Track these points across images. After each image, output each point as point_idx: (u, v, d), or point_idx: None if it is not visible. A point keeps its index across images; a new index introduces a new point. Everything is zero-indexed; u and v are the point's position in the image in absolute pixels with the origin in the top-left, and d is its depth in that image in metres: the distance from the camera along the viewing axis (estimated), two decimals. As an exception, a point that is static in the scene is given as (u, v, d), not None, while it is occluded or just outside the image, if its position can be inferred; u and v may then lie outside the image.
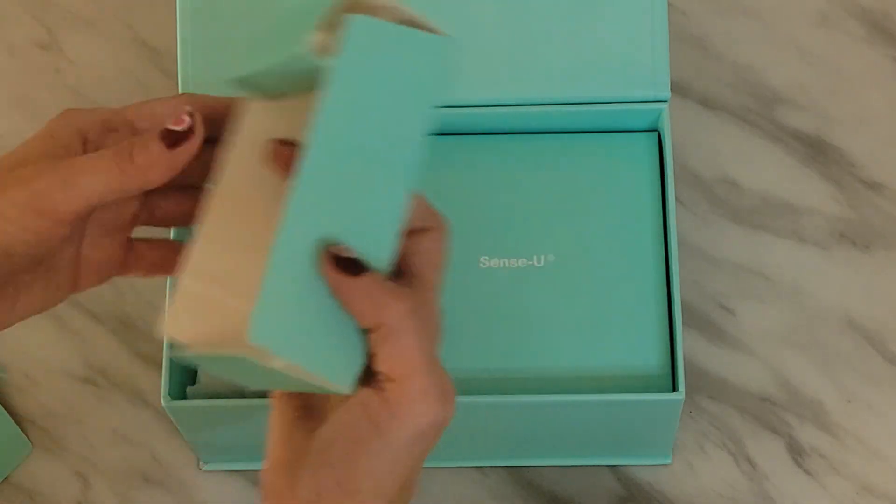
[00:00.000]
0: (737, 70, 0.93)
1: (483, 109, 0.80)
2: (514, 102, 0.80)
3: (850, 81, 0.92)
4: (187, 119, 0.60)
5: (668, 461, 0.84)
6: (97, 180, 0.59)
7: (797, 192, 0.90)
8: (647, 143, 0.81)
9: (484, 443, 0.82)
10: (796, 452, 0.84)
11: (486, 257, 0.79)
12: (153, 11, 0.96)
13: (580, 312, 0.77)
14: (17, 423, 0.85)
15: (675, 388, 0.75)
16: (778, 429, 0.85)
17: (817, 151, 0.91)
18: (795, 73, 0.93)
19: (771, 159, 0.91)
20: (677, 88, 0.91)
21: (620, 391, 0.76)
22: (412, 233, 0.58)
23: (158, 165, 0.59)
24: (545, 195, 0.80)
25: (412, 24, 0.56)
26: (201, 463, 0.86)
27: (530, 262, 0.79)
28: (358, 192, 0.55)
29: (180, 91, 0.80)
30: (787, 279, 0.88)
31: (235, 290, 0.57)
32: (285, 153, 0.58)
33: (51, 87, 0.95)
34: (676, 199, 0.87)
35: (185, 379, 0.79)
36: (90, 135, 0.63)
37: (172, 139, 0.59)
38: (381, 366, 0.55)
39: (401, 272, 0.57)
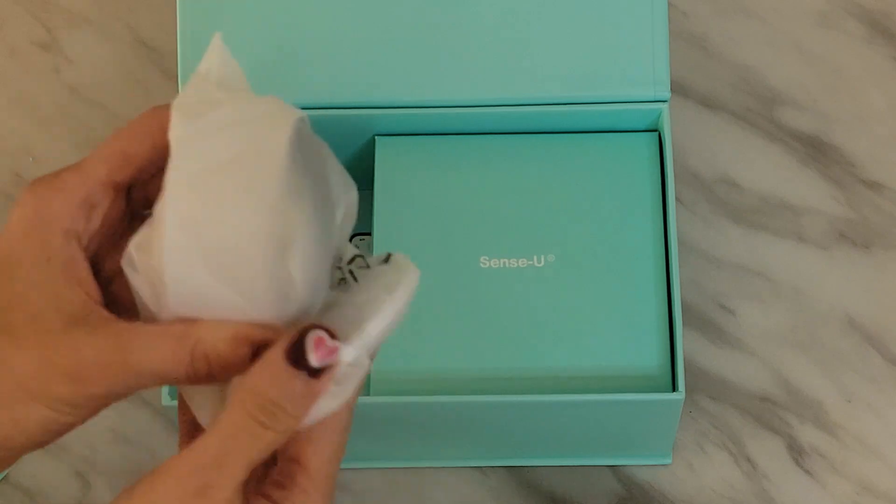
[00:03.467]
0: (737, 70, 0.93)
1: (483, 109, 0.80)
2: (514, 102, 0.80)
3: (850, 81, 0.92)
4: (330, 347, 0.51)
5: (668, 461, 0.84)
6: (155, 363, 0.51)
7: (797, 192, 0.90)
8: (647, 143, 0.81)
9: (484, 443, 0.82)
10: (796, 452, 0.84)
11: (487, 257, 0.79)
12: (153, 11, 0.96)
13: (580, 312, 0.77)
14: (17, 423, 0.86)
15: (675, 388, 0.75)
16: (778, 429, 0.85)
17: (817, 151, 0.91)
18: (795, 73, 0.93)
19: (771, 159, 0.91)
20: (677, 88, 0.91)
21: (620, 391, 0.76)
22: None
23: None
24: (545, 195, 0.80)
25: None
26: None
27: (530, 262, 0.79)
28: None
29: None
30: (787, 279, 0.88)
31: None
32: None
33: (51, 87, 0.95)
34: (676, 199, 0.87)
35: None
36: (81, 230, 0.54)
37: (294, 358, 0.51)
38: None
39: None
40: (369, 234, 0.81)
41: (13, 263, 0.52)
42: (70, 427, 0.53)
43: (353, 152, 0.84)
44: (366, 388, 0.77)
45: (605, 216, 0.79)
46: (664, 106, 0.80)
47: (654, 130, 0.82)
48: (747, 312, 0.87)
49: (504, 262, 0.79)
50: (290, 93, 0.80)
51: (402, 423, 0.79)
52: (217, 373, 0.52)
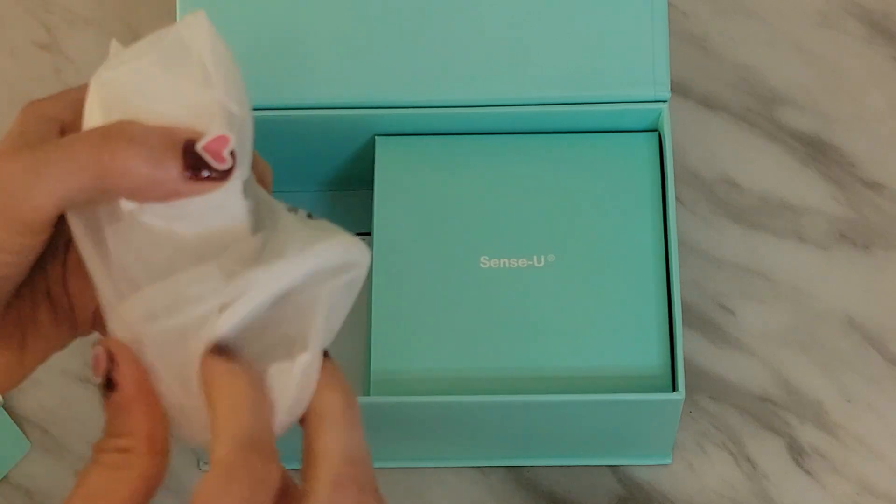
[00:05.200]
0: (737, 70, 0.93)
1: (483, 109, 0.80)
2: (514, 102, 0.80)
3: (850, 81, 0.92)
4: (228, 158, 0.49)
5: (668, 461, 0.84)
6: (71, 175, 0.48)
7: (797, 192, 0.90)
8: (647, 143, 0.81)
9: (484, 443, 0.82)
10: (796, 452, 0.84)
11: (487, 257, 0.79)
12: (153, 11, 0.96)
13: (580, 312, 0.77)
14: (17, 422, 0.85)
15: (675, 388, 0.75)
16: (778, 429, 0.85)
17: (817, 151, 0.91)
18: (795, 73, 0.93)
19: (771, 159, 0.91)
20: (677, 88, 0.91)
21: (620, 391, 0.76)
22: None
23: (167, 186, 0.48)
24: (545, 195, 0.80)
25: None
26: (201, 463, 0.86)
27: (530, 262, 0.79)
28: None
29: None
30: (787, 279, 0.88)
31: None
32: None
33: (51, 87, 0.94)
34: (676, 199, 0.87)
35: (185, 379, 0.79)
36: (67, 120, 0.53)
37: (193, 163, 0.48)
38: None
39: None
40: (369, 233, 0.81)
41: None
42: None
43: (353, 152, 0.84)
44: (366, 388, 0.77)
45: (605, 216, 0.79)
46: (664, 106, 0.80)
47: (654, 130, 0.82)
48: (747, 312, 0.87)
49: (504, 262, 0.79)
50: (290, 93, 0.80)
51: (402, 423, 0.79)
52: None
